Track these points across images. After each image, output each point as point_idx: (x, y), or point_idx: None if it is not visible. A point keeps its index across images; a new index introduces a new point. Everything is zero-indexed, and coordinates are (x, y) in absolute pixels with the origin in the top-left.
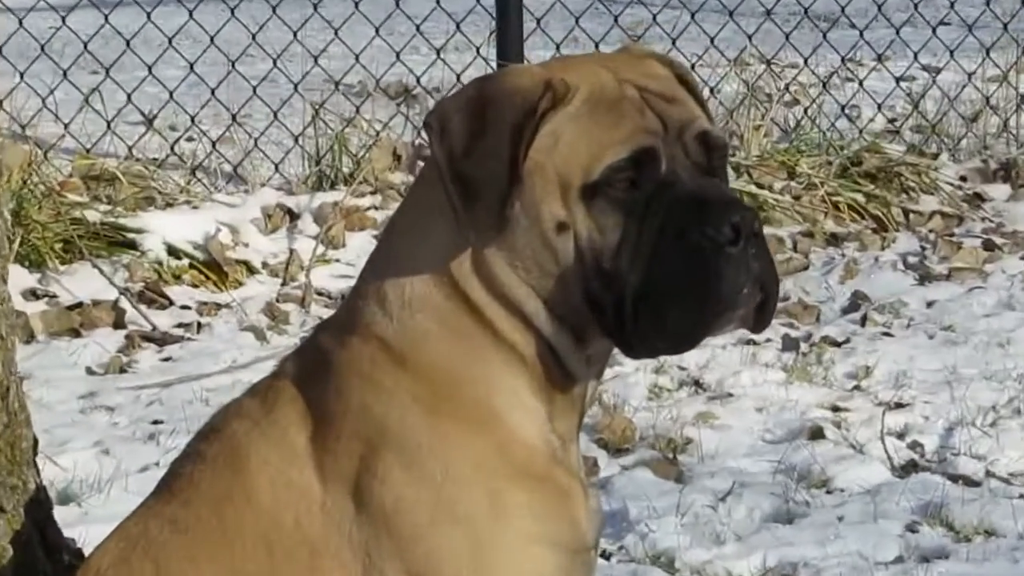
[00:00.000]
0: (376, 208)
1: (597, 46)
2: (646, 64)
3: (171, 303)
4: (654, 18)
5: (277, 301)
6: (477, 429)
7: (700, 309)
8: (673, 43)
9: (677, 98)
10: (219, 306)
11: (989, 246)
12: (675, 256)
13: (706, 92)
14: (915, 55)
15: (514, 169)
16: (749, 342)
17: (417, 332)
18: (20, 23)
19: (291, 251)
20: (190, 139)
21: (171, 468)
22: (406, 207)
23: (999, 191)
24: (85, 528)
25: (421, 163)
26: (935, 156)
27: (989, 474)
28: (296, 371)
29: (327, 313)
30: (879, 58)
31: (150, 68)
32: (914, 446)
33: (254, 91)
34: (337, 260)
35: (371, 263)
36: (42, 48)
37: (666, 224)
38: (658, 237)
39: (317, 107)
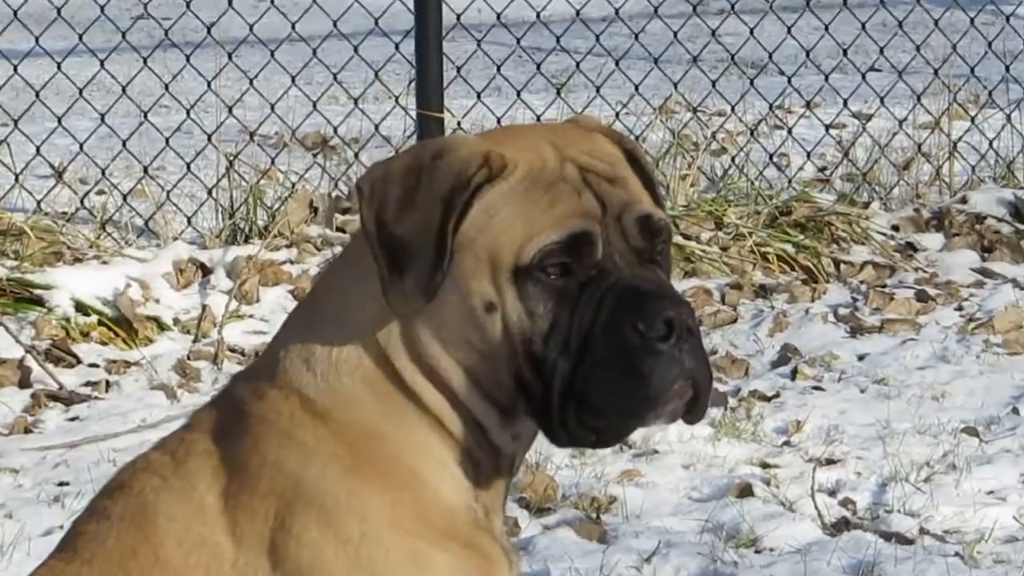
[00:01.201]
0: (291, 262)
1: (519, 94)
2: (593, 140)
3: (79, 361)
4: (577, 65)
5: (188, 358)
6: (398, 489)
7: (628, 405)
8: (597, 91)
9: (619, 178)
10: (128, 364)
11: (922, 297)
12: (605, 349)
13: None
14: (845, 102)
15: (443, 241)
16: None
17: (342, 393)
18: None
19: (203, 307)
20: (101, 192)
21: (74, 526)
22: (339, 265)
23: (932, 240)
24: None
25: (339, 216)
26: (866, 205)
27: (923, 531)
28: (209, 424)
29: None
30: (808, 105)
31: (60, 119)
32: (846, 503)
33: (167, 142)
34: (251, 316)
35: (298, 316)
36: None
37: (598, 316)
38: (590, 328)
39: (231, 158)
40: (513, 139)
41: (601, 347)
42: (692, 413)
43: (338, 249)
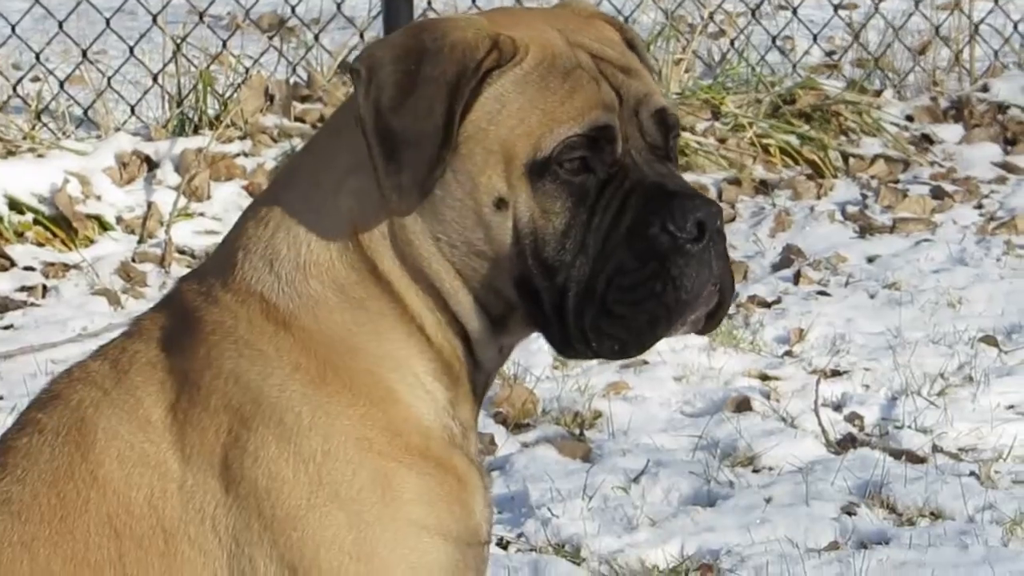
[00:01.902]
0: (245, 155)
1: None
2: (596, 26)
3: (13, 264)
4: None
5: (133, 261)
6: (367, 405)
7: (655, 311)
8: None
9: (632, 68)
10: (67, 267)
11: (938, 194)
12: (631, 251)
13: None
14: None
15: (449, 131)
16: None
17: (310, 297)
18: None
19: (149, 204)
20: (35, 79)
21: (3, 439)
22: (306, 157)
23: (950, 132)
24: None
25: (298, 104)
26: (878, 93)
27: (936, 449)
28: (155, 331)
29: None
30: None
31: None
32: (852, 419)
33: (107, 24)
34: (201, 214)
35: (257, 211)
36: None
37: (622, 215)
38: (611, 228)
39: (179, 41)
40: (517, 22)
41: (625, 249)
42: (712, 320)
43: (296, 141)
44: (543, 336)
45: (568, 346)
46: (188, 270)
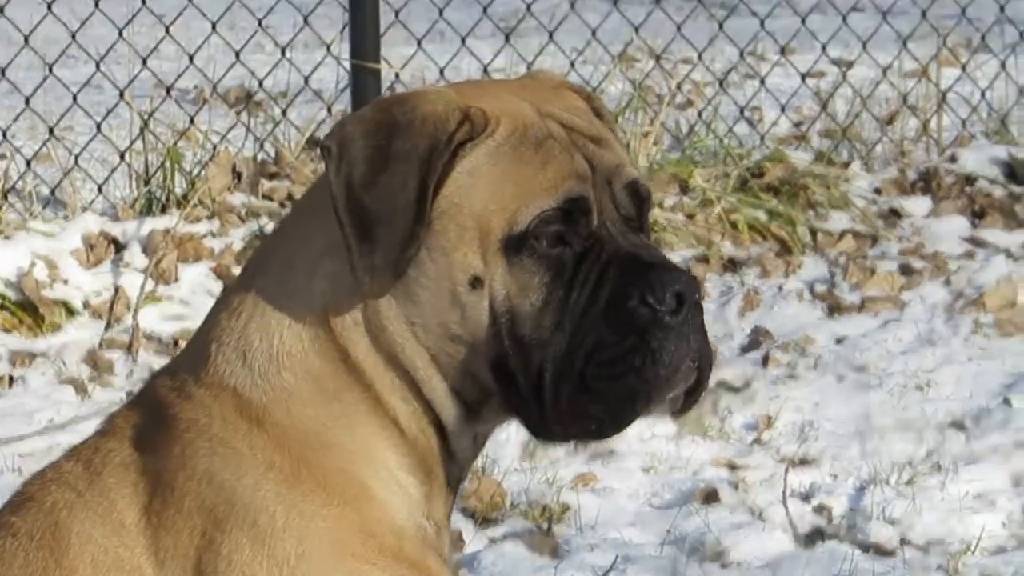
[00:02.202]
0: (213, 235)
1: (464, 40)
2: (565, 96)
3: None
4: (528, 7)
5: (100, 348)
6: (341, 504)
7: (635, 386)
8: (550, 36)
9: (603, 138)
10: (33, 355)
11: (906, 270)
12: (609, 325)
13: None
14: (823, 47)
15: (422, 207)
16: None
17: (283, 390)
18: None
19: (116, 288)
20: (1, 157)
21: None
22: (277, 239)
23: (918, 205)
24: None
25: (266, 182)
26: (846, 165)
27: (904, 542)
28: (128, 430)
29: (157, 361)
30: (783, 51)
31: None
32: (820, 510)
33: (75, 99)
34: (169, 298)
35: (230, 301)
36: None
37: (599, 288)
38: (589, 303)
39: (146, 117)
40: (486, 94)
41: (603, 323)
42: (690, 399)
43: (265, 220)
44: (520, 420)
45: (545, 429)
46: (156, 356)
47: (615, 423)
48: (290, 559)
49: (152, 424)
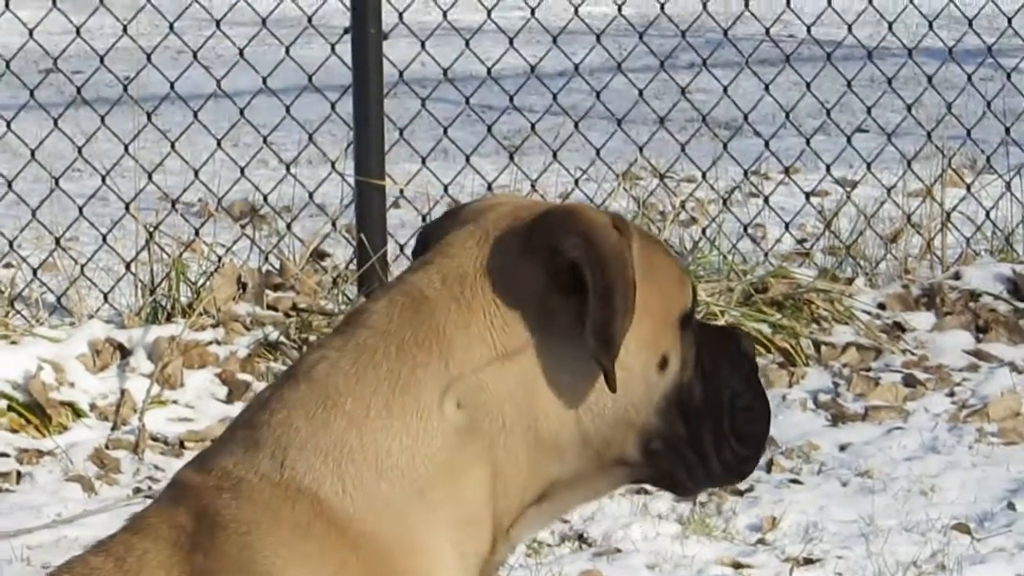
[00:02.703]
0: (218, 343)
1: (468, 159)
2: None
3: None
4: (532, 127)
5: (107, 448)
6: None
7: (765, 426)
8: (554, 155)
9: None
10: (41, 453)
11: (910, 382)
12: (735, 379)
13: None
14: (827, 167)
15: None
16: (640, 490)
17: (378, 500)
18: None
19: (122, 391)
20: (8, 265)
21: None
22: (373, 355)
23: (922, 320)
24: None
25: (270, 292)
26: (850, 281)
27: None
28: (164, 529)
29: (162, 461)
30: (787, 171)
31: None
32: None
33: (80, 211)
34: (174, 401)
35: (306, 404)
36: None
37: (715, 351)
38: (714, 365)
39: (151, 229)
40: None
41: (731, 379)
42: None
43: (269, 329)
44: (663, 486)
45: (696, 486)
46: (161, 456)
47: (755, 461)
48: None
49: (199, 525)
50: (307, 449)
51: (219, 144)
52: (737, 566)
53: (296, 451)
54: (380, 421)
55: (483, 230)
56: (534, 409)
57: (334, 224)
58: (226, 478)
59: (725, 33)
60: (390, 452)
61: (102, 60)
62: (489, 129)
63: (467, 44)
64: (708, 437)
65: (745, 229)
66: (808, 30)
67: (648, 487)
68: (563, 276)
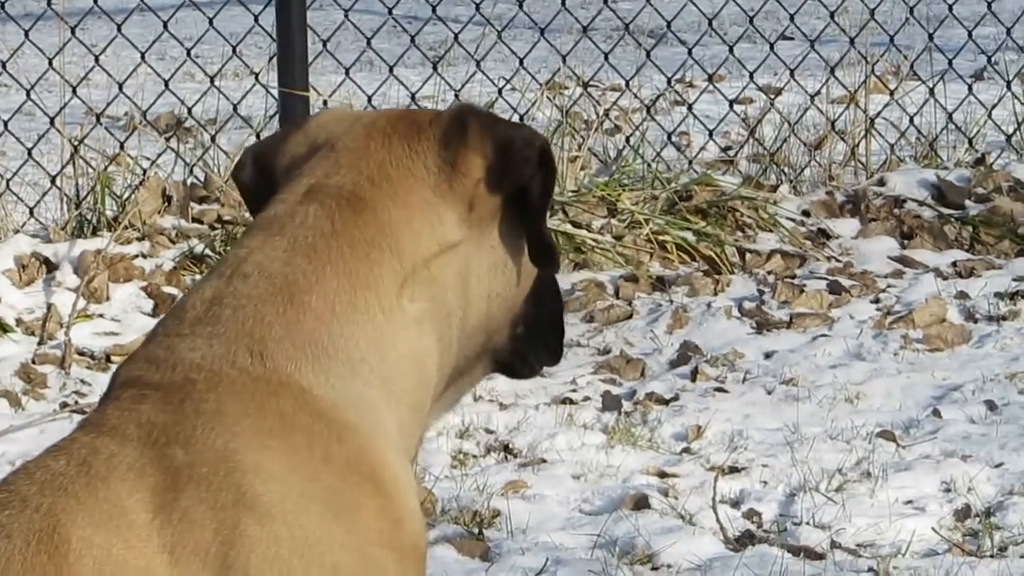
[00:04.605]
0: (144, 256)
1: (391, 69)
2: None
3: None
4: (456, 37)
5: (33, 363)
6: (383, 495)
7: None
8: (478, 65)
9: None
10: None
11: (835, 289)
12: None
13: (516, 119)
14: (751, 75)
15: None
16: (565, 401)
17: (355, 393)
18: None
19: (49, 306)
20: None
21: None
22: (329, 255)
23: (846, 227)
24: None
25: (195, 205)
26: (774, 188)
27: (835, 545)
28: (131, 428)
29: (89, 375)
30: (711, 78)
31: None
32: (750, 515)
33: (6, 126)
34: (100, 315)
35: (273, 302)
36: None
37: None
38: None
39: (77, 143)
40: None
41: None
42: None
43: (195, 241)
44: (507, 371)
45: (533, 369)
46: (88, 371)
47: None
48: (334, 549)
49: (173, 421)
50: (284, 342)
51: (143, 58)
52: (662, 475)
53: (274, 344)
54: (347, 317)
55: (380, 131)
56: (465, 297)
57: (258, 136)
58: (196, 372)
59: None
60: (358, 346)
61: None
62: (413, 40)
63: None
64: (554, 320)
65: (669, 137)
66: None
67: (572, 397)
68: (497, 170)
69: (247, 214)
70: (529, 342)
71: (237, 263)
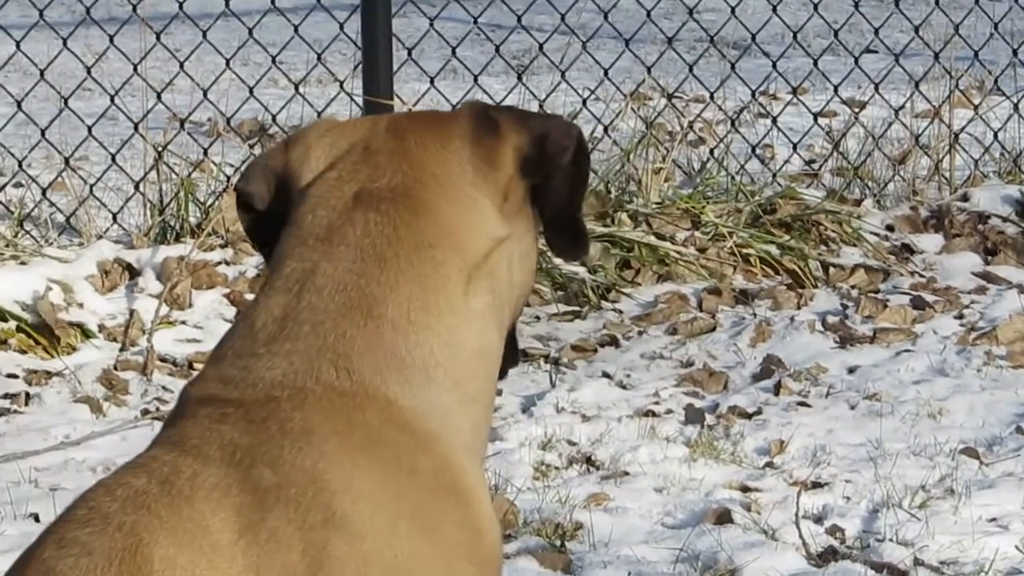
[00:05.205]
0: (227, 263)
1: (476, 78)
2: None
3: None
4: (540, 47)
5: (115, 369)
6: (466, 506)
7: None
8: (563, 75)
9: None
10: (50, 374)
11: (919, 304)
12: None
13: (599, 130)
14: (835, 88)
15: None
16: (647, 413)
17: (434, 402)
18: None
19: (131, 312)
20: (18, 185)
21: (33, 557)
22: (394, 261)
23: (930, 242)
24: None
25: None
26: (858, 203)
27: (917, 562)
28: (212, 449)
29: (171, 382)
30: (795, 91)
31: None
32: (833, 531)
33: (90, 131)
34: (183, 322)
35: (351, 314)
36: None
37: None
38: None
39: (160, 149)
40: None
41: None
42: None
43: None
44: None
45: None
46: (169, 378)
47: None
48: (422, 566)
49: (257, 440)
50: (367, 355)
51: (228, 64)
52: (745, 489)
53: (358, 358)
54: (421, 323)
55: (410, 131)
56: (514, 283)
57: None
58: (279, 389)
59: None
60: (432, 352)
61: None
62: (497, 49)
63: None
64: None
65: (753, 150)
66: None
67: (655, 409)
68: (532, 161)
69: None
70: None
71: (304, 277)
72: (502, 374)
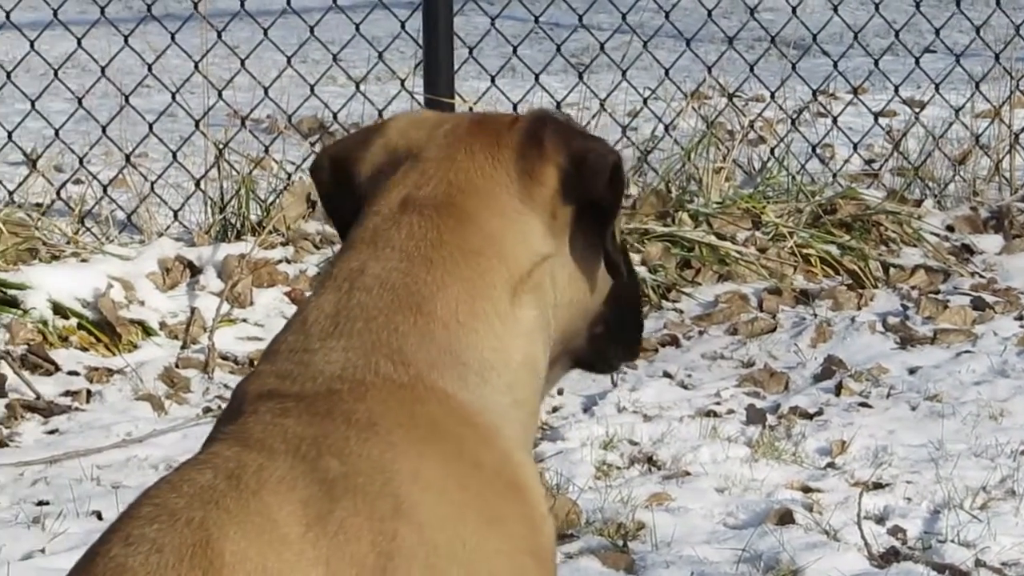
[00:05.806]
0: (288, 261)
1: (537, 77)
2: None
3: (57, 368)
4: (601, 46)
5: (176, 366)
6: (525, 503)
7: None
8: (623, 74)
9: None
10: (111, 372)
11: (979, 305)
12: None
13: (660, 129)
14: (896, 88)
15: None
16: (709, 414)
17: (491, 399)
18: None
19: (192, 310)
20: (78, 182)
21: (100, 554)
22: (449, 267)
23: (990, 242)
24: None
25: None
26: (918, 203)
27: (979, 563)
28: (277, 442)
29: (232, 380)
30: (855, 91)
31: (33, 102)
32: (895, 532)
33: (150, 128)
34: (244, 320)
35: (407, 310)
36: None
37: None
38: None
39: (221, 146)
40: None
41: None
42: None
43: (338, 247)
44: (590, 366)
45: (620, 362)
46: (231, 376)
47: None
48: (489, 557)
49: (323, 432)
50: (421, 352)
51: (289, 61)
52: (806, 490)
53: (413, 353)
54: (470, 326)
55: (462, 140)
56: (560, 303)
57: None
58: (339, 383)
59: None
60: (483, 355)
61: None
62: (558, 47)
63: None
64: (634, 319)
65: (813, 149)
66: None
67: (716, 409)
68: (572, 181)
69: None
70: (608, 341)
71: (353, 276)
72: (590, 369)
